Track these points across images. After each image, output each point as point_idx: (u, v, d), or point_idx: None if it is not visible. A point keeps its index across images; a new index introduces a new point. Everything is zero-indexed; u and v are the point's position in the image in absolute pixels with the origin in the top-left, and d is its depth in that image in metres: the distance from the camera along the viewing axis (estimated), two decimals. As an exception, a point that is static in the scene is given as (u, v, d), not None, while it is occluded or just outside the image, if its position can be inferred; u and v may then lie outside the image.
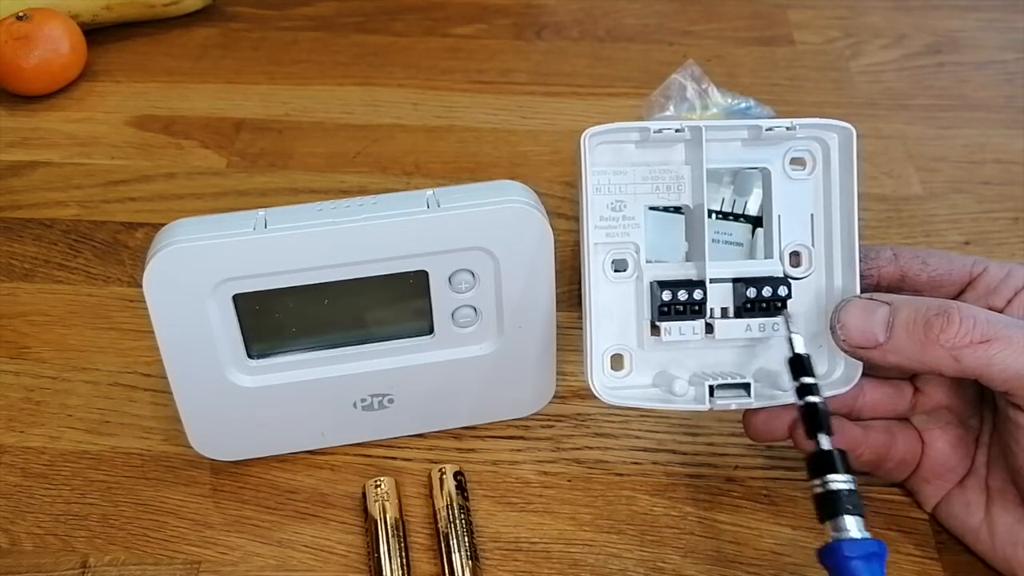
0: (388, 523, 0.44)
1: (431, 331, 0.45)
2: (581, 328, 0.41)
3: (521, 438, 0.49)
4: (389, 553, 0.43)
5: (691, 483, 0.46)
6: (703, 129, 0.41)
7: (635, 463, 0.47)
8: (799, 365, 0.39)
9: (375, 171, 0.65)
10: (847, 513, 0.36)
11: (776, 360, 0.42)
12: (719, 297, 0.41)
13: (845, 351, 0.40)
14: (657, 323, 0.41)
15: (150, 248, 0.41)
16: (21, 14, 0.70)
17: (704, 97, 0.60)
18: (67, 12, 0.74)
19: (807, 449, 0.42)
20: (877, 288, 0.42)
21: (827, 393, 0.41)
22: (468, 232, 0.42)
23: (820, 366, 0.42)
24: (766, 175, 0.42)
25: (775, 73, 0.74)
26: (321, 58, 0.76)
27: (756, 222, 0.47)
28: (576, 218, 0.60)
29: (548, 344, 0.46)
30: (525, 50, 0.77)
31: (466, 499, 0.45)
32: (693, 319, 0.41)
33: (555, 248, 0.43)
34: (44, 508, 0.46)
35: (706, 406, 0.41)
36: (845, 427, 0.42)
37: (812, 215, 0.42)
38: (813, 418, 0.38)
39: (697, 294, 0.41)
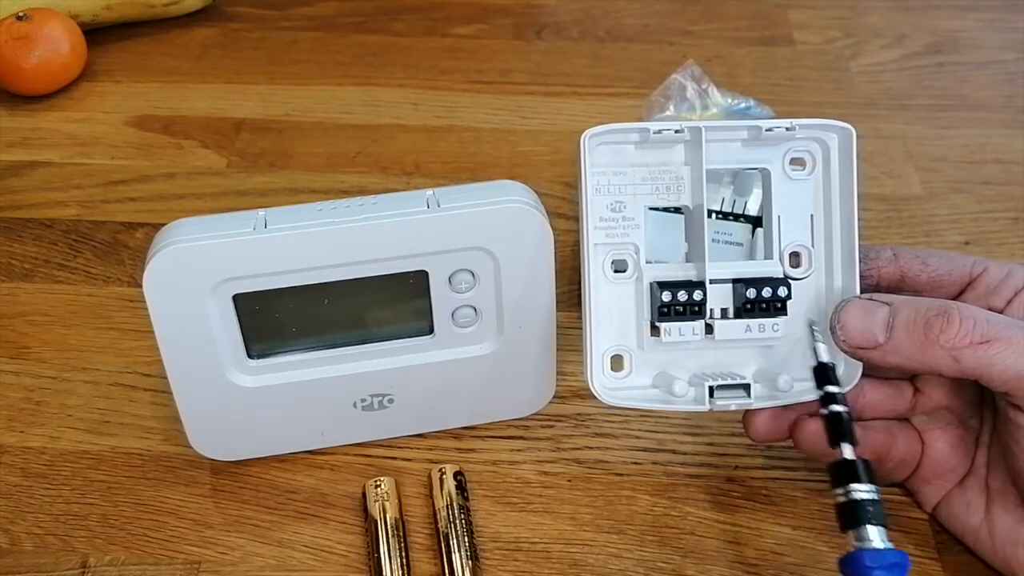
0: (388, 523, 0.44)
1: (431, 331, 0.45)
2: (581, 328, 0.41)
3: (521, 438, 0.49)
4: (389, 553, 0.43)
5: (691, 483, 0.46)
6: (703, 130, 0.41)
7: (635, 463, 0.47)
8: (824, 374, 0.39)
9: (375, 171, 0.65)
10: (869, 523, 0.35)
11: (776, 361, 0.42)
12: (719, 298, 0.41)
13: (845, 351, 0.40)
14: (657, 324, 0.41)
15: (150, 248, 0.41)
16: (21, 14, 0.70)
17: (704, 97, 0.60)
18: (67, 12, 0.74)
19: (807, 449, 0.42)
20: (877, 288, 0.42)
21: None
22: (468, 232, 0.42)
23: (820, 366, 0.43)
24: (766, 175, 0.42)
25: (775, 73, 0.74)
26: (321, 58, 0.76)
27: (756, 222, 0.47)
28: (576, 218, 0.60)
29: (548, 344, 0.46)
30: (525, 50, 0.77)
31: (466, 499, 0.45)
32: (693, 320, 0.41)
33: (555, 248, 0.43)
34: (44, 508, 0.46)
35: (706, 407, 0.41)
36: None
37: (812, 215, 0.42)
38: (837, 427, 0.38)
39: (697, 295, 0.41)
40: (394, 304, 0.44)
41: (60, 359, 0.53)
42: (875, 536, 0.35)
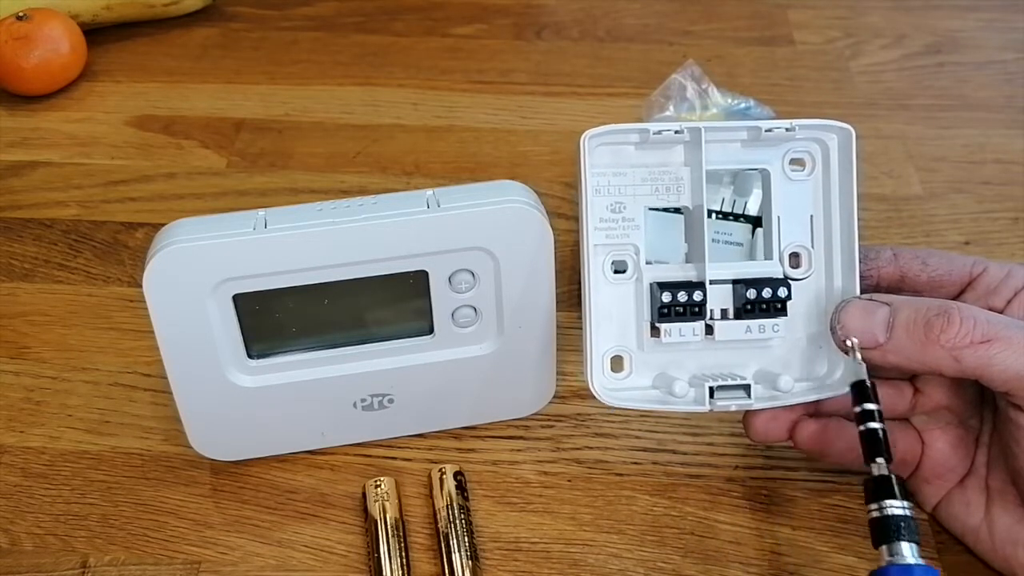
0: (388, 523, 0.44)
1: (431, 331, 0.45)
2: (581, 329, 0.41)
3: (521, 438, 0.49)
4: (389, 553, 0.43)
5: (691, 483, 0.46)
6: (702, 130, 0.41)
7: (635, 463, 0.47)
8: (863, 391, 0.38)
9: (375, 171, 0.65)
10: (902, 539, 0.35)
11: (776, 361, 0.42)
12: (719, 298, 0.41)
13: (845, 352, 0.39)
14: (657, 324, 0.41)
15: (150, 248, 0.41)
16: (21, 14, 0.70)
17: (704, 97, 0.60)
18: (67, 12, 0.74)
19: (806, 450, 0.42)
20: (877, 289, 0.42)
21: (827, 394, 0.42)
22: (468, 232, 0.42)
23: (820, 367, 0.43)
24: (766, 176, 0.42)
25: (775, 73, 0.74)
26: (321, 58, 0.76)
27: (756, 222, 0.47)
28: (576, 218, 0.60)
29: (548, 344, 0.46)
30: (525, 50, 0.77)
31: (466, 499, 0.45)
32: (693, 320, 0.41)
33: (555, 248, 0.43)
34: (44, 508, 0.46)
35: (706, 407, 0.41)
36: (844, 427, 0.42)
37: (812, 216, 0.42)
38: (874, 444, 0.37)
39: (697, 295, 0.41)
40: (394, 304, 0.44)
41: (60, 359, 0.53)
42: (908, 552, 0.35)
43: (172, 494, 0.46)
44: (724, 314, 0.42)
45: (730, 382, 0.41)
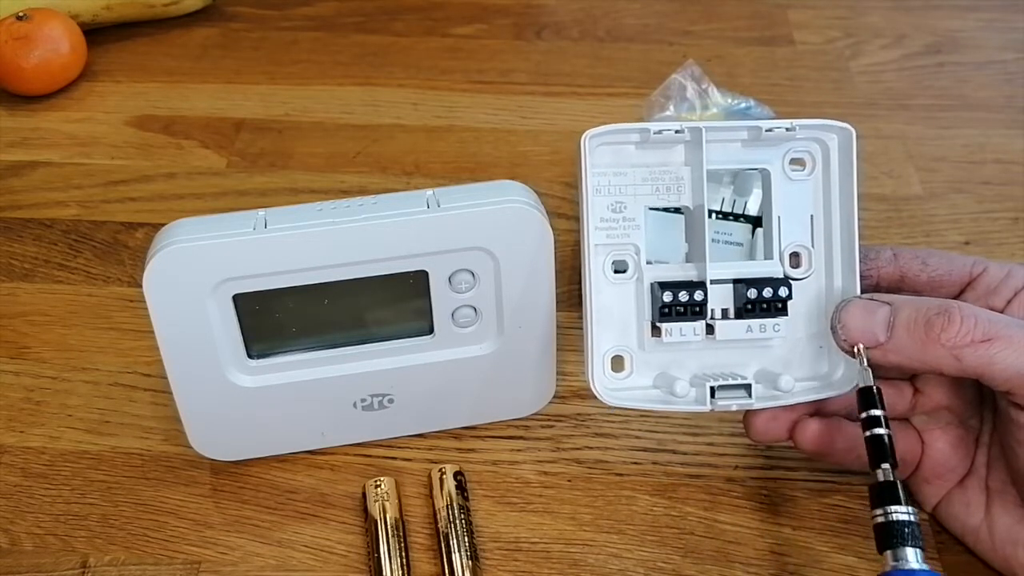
0: (388, 523, 0.44)
1: (431, 331, 0.45)
2: (581, 329, 0.41)
3: (521, 438, 0.49)
4: (389, 553, 0.43)
5: (691, 483, 0.46)
6: (703, 130, 0.41)
7: (635, 463, 0.47)
8: (869, 397, 0.38)
9: (375, 171, 0.65)
10: (907, 545, 0.35)
11: (777, 361, 0.42)
12: (719, 298, 0.41)
13: (846, 351, 0.40)
14: (658, 324, 0.41)
15: (150, 248, 0.41)
16: (21, 14, 0.70)
17: (704, 97, 0.60)
18: (67, 12, 0.74)
19: (807, 450, 0.42)
20: (877, 288, 0.42)
21: (827, 393, 0.42)
22: (468, 232, 0.42)
23: (821, 366, 0.43)
24: (766, 176, 0.42)
25: (775, 73, 0.74)
26: (321, 58, 0.76)
27: (756, 222, 0.47)
28: (576, 218, 0.60)
29: (548, 344, 0.46)
30: (525, 50, 0.77)
31: (466, 499, 0.45)
32: (694, 320, 0.41)
33: (555, 248, 0.43)
34: (44, 508, 0.46)
35: (707, 407, 0.41)
36: (844, 427, 0.42)
37: (812, 216, 0.42)
38: (880, 449, 0.38)
39: (698, 295, 0.41)
40: (394, 304, 0.44)
41: (60, 359, 0.53)
42: (912, 557, 0.35)
43: (172, 494, 0.46)
44: (725, 314, 0.42)
45: (731, 382, 0.41)
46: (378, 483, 0.45)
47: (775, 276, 0.42)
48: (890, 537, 0.36)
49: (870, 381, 0.39)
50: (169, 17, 0.79)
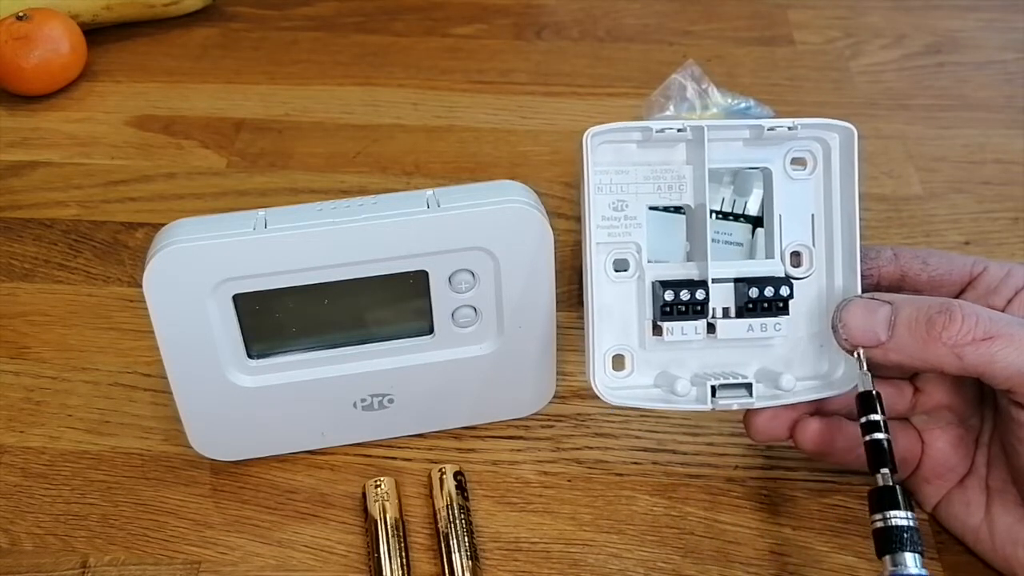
0: (388, 523, 0.44)
1: (431, 331, 0.45)
2: (582, 328, 0.41)
3: (521, 438, 0.49)
4: (389, 553, 0.43)
5: (691, 483, 0.46)
6: (705, 129, 0.41)
7: (635, 463, 0.47)
8: (868, 402, 0.39)
9: (375, 171, 0.65)
10: (906, 550, 0.35)
11: (778, 360, 0.42)
12: (720, 297, 0.41)
13: (847, 350, 0.40)
14: (659, 323, 0.41)
15: (150, 248, 0.41)
16: (21, 14, 0.70)
17: (704, 97, 0.60)
18: (67, 12, 0.74)
19: (807, 450, 0.42)
20: (877, 288, 0.42)
21: (828, 393, 0.42)
22: (468, 232, 0.42)
23: (822, 366, 0.43)
24: (767, 175, 0.42)
25: (775, 73, 0.74)
26: (321, 58, 0.76)
27: (756, 222, 0.47)
28: (576, 218, 0.60)
29: (548, 344, 0.46)
30: (525, 50, 0.77)
31: (466, 499, 0.45)
32: (695, 319, 0.41)
33: (555, 248, 0.43)
34: (44, 508, 0.46)
35: (708, 406, 0.41)
36: (845, 427, 0.42)
37: (813, 215, 0.42)
38: (879, 454, 0.38)
39: (699, 294, 0.41)
40: (394, 304, 0.44)
41: (60, 359, 0.53)
42: (911, 562, 0.35)
43: (172, 494, 0.46)
44: (726, 313, 0.42)
45: (732, 381, 0.41)
46: (378, 483, 0.45)
47: (776, 275, 0.42)
48: (889, 542, 0.36)
49: (869, 386, 0.39)
50: (169, 17, 0.79)
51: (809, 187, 0.42)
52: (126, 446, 0.48)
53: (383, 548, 0.43)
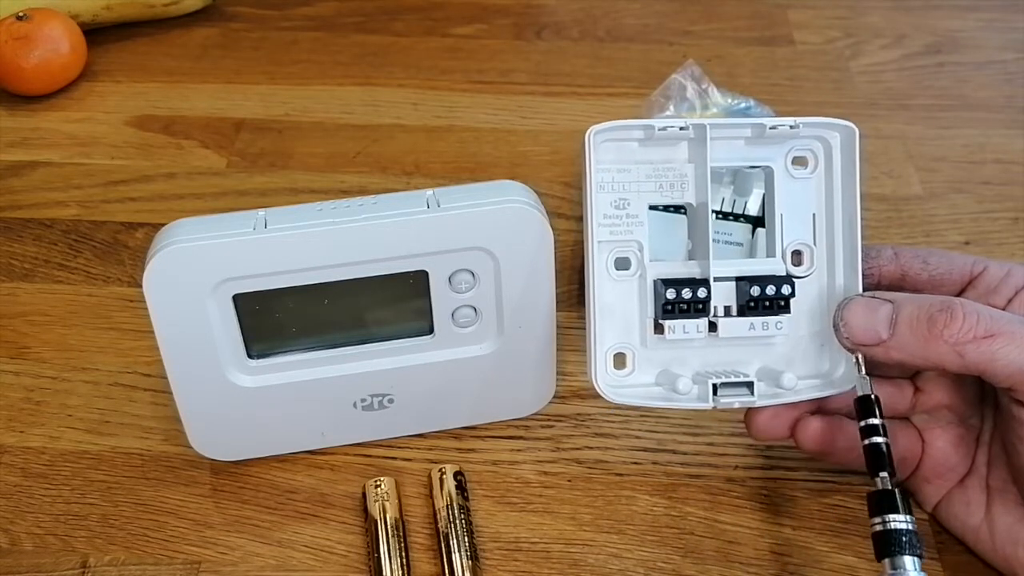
0: (388, 523, 0.44)
1: (431, 331, 0.45)
2: (582, 328, 0.41)
3: (521, 438, 0.48)
4: (389, 553, 0.43)
5: (691, 483, 0.46)
6: (707, 127, 0.41)
7: (635, 463, 0.47)
8: (867, 406, 0.39)
9: (375, 171, 0.65)
10: (904, 553, 0.36)
11: (779, 359, 0.42)
12: (722, 296, 0.41)
13: (848, 349, 0.40)
14: (661, 321, 0.41)
15: (150, 248, 0.41)
16: (21, 14, 0.70)
17: (704, 97, 0.60)
18: (67, 12, 0.74)
19: (808, 449, 0.42)
20: (878, 287, 0.42)
21: (829, 391, 0.42)
22: (468, 232, 0.42)
23: (823, 364, 0.43)
24: (768, 174, 0.42)
25: (775, 73, 0.74)
26: (321, 58, 0.76)
27: (756, 222, 0.47)
28: (576, 218, 0.60)
29: (548, 344, 0.46)
30: (525, 50, 0.77)
31: (466, 499, 0.45)
32: (697, 317, 0.41)
33: (555, 248, 0.43)
34: (44, 508, 0.46)
35: (709, 405, 0.41)
36: (846, 426, 0.42)
37: (814, 214, 0.42)
38: (878, 458, 0.38)
39: (701, 292, 0.41)
40: (394, 304, 0.44)
41: (60, 359, 0.53)
42: (910, 566, 0.36)
43: (172, 494, 0.46)
44: (727, 311, 0.42)
45: (733, 379, 0.41)
46: (378, 483, 0.45)
47: (778, 274, 0.42)
48: (888, 545, 0.36)
49: (868, 389, 0.39)
50: (169, 17, 0.79)
51: (810, 186, 0.42)
52: (126, 446, 0.48)
53: (383, 548, 0.43)
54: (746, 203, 0.48)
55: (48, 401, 0.51)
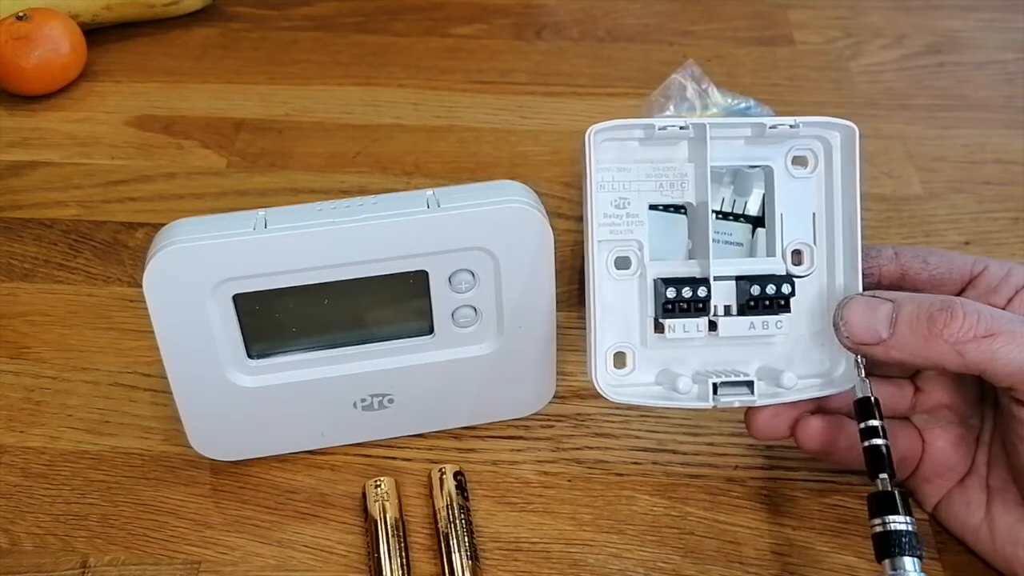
0: (388, 523, 0.44)
1: (431, 331, 0.45)
2: (582, 327, 0.42)
3: (521, 438, 0.48)
4: (389, 553, 0.43)
5: (691, 483, 0.46)
6: (707, 126, 0.41)
7: (635, 463, 0.47)
8: (867, 408, 0.39)
9: (375, 171, 0.65)
10: (904, 554, 0.36)
11: (779, 358, 0.42)
12: (722, 295, 0.41)
13: (848, 348, 0.40)
14: (661, 320, 0.41)
15: (150, 248, 0.41)
16: (21, 14, 0.70)
17: (704, 97, 0.60)
18: (67, 12, 0.74)
19: (808, 448, 0.42)
20: (878, 287, 0.42)
21: (830, 391, 0.42)
22: (468, 232, 0.42)
23: (823, 363, 0.43)
24: (769, 173, 0.42)
25: (775, 73, 0.74)
26: (321, 58, 0.76)
27: (756, 222, 0.47)
28: (576, 218, 0.60)
29: (548, 344, 0.46)
30: (525, 50, 0.77)
31: (466, 499, 0.45)
32: (697, 316, 0.41)
33: (555, 248, 0.43)
34: (44, 508, 0.46)
35: (709, 404, 0.41)
36: (846, 425, 0.42)
37: (814, 214, 0.42)
38: (878, 460, 0.38)
39: (701, 291, 0.41)
40: (394, 304, 0.44)
41: (60, 359, 0.53)
42: (910, 566, 0.36)
43: (172, 494, 0.46)
44: (727, 310, 0.42)
45: (733, 378, 0.41)
46: (378, 483, 0.45)
47: (778, 273, 0.42)
48: (888, 546, 0.36)
49: (868, 392, 0.39)
50: (169, 17, 0.79)
51: (810, 186, 0.42)
52: (126, 446, 0.48)
53: (383, 548, 0.43)
54: (746, 203, 0.48)
55: (48, 401, 0.51)
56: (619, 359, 0.42)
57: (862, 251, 0.41)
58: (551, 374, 0.47)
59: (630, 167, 0.41)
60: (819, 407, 0.42)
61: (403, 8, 0.82)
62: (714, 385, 0.41)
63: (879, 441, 0.38)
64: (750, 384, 0.41)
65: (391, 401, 0.46)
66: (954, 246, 0.58)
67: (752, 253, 0.46)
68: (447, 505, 0.44)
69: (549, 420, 0.49)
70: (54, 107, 0.71)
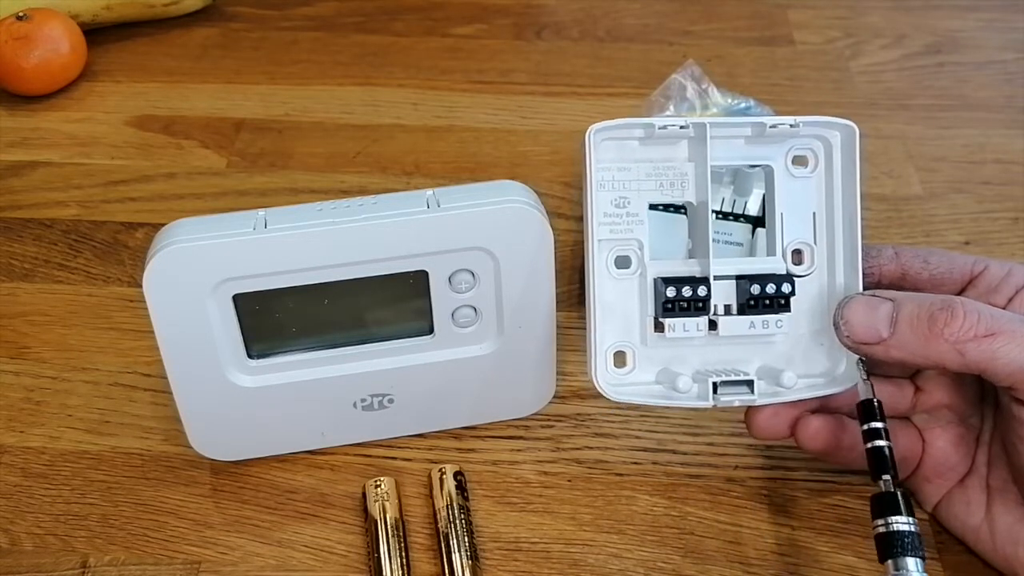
0: (388, 523, 0.44)
1: (431, 331, 0.45)
2: (582, 327, 0.42)
3: (521, 438, 0.48)
4: (389, 553, 0.43)
5: (691, 483, 0.46)
6: (707, 126, 0.41)
7: (635, 463, 0.47)
8: (870, 410, 0.39)
9: (375, 171, 0.65)
10: (907, 555, 0.36)
11: (779, 357, 0.42)
12: (722, 294, 0.41)
13: (849, 347, 0.40)
14: (661, 319, 0.41)
15: (150, 248, 0.41)
16: (21, 14, 0.70)
17: (704, 97, 0.60)
18: (67, 12, 0.74)
19: (808, 447, 0.42)
20: (879, 286, 0.42)
21: (830, 390, 0.42)
22: (468, 232, 0.42)
23: (823, 363, 0.43)
24: (769, 173, 0.42)
25: (775, 73, 0.74)
26: (321, 58, 0.76)
27: (756, 222, 0.47)
28: (576, 218, 0.60)
29: (548, 344, 0.46)
30: (525, 50, 0.77)
31: (466, 499, 0.45)
32: (697, 316, 0.41)
33: (555, 248, 0.43)
34: (44, 508, 0.46)
35: (709, 403, 0.41)
36: (846, 425, 0.42)
37: (814, 213, 0.42)
38: (881, 461, 0.38)
39: (701, 290, 0.41)
40: (394, 304, 0.44)
41: (60, 359, 0.53)
42: (912, 567, 0.36)
43: (172, 494, 0.46)
44: (728, 310, 0.42)
45: (733, 378, 0.41)
46: (378, 483, 0.45)
47: (778, 272, 0.42)
48: (891, 547, 0.36)
49: (870, 394, 0.39)
50: (169, 17, 0.79)
51: (811, 185, 0.42)
52: (126, 446, 0.48)
53: (383, 548, 0.43)
54: (746, 203, 0.48)
55: (48, 401, 0.51)
56: (619, 358, 0.42)
57: (862, 251, 0.41)
58: (551, 374, 0.47)
59: (630, 166, 0.41)
60: (819, 407, 0.42)
61: (403, 8, 0.82)
62: (714, 384, 0.41)
63: (882, 443, 0.38)
64: (750, 383, 0.41)
65: (391, 401, 0.46)
66: (954, 246, 0.58)
67: (752, 253, 0.46)
68: (447, 505, 0.44)
69: (549, 420, 0.49)
70: (54, 107, 0.71)
